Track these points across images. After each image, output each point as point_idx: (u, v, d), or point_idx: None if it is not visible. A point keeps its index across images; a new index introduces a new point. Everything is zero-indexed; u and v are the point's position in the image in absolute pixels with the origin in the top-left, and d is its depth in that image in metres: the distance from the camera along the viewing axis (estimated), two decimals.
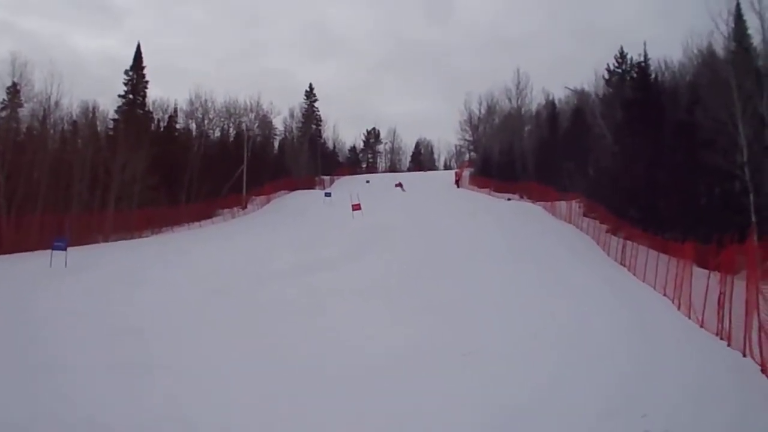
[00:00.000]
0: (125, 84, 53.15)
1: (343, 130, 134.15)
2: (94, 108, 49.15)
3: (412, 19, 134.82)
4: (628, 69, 41.84)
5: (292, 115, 76.54)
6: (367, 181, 65.59)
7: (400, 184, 59.60)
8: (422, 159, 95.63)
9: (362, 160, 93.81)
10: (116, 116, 51.72)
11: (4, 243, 32.20)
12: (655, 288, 18.54)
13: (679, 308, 15.60)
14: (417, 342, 12.45)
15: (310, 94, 79.36)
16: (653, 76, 36.89)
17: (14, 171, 35.69)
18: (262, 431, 8.22)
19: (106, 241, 36.46)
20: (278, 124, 73.12)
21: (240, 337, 13.62)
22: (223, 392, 9.78)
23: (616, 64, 43.36)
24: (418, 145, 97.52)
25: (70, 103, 51.52)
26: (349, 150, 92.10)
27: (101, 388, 9.77)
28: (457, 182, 62.91)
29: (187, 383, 10.22)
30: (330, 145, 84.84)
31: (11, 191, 35.38)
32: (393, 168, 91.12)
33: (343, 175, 73.71)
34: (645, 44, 38.25)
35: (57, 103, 42.59)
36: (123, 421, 8.37)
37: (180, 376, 10.59)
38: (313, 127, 78.59)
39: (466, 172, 67.47)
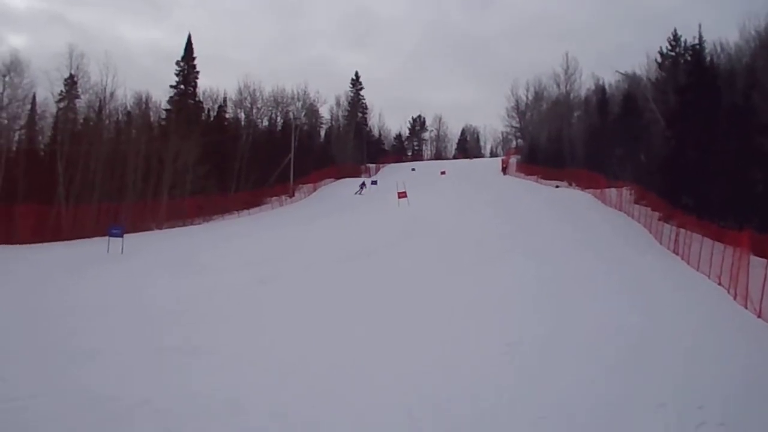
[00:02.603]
0: (176, 75, 54.17)
1: (388, 118, 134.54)
2: (147, 99, 50.46)
3: (456, 3, 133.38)
4: (682, 52, 40.50)
5: (338, 104, 76.96)
6: (413, 169, 65.50)
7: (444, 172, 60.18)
8: (468, 146, 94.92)
9: (408, 147, 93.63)
10: (168, 107, 52.91)
11: (64, 230, 33.57)
12: (709, 277, 18.07)
13: (735, 298, 15.20)
14: (462, 336, 12.42)
15: (355, 82, 79.58)
16: (708, 59, 35.63)
17: (72, 160, 37.06)
18: (310, 412, 8.37)
19: (159, 228, 37.52)
20: (324, 112, 73.67)
21: (287, 321, 13.92)
22: (270, 374, 10.02)
23: (669, 47, 42.01)
24: (464, 132, 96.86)
25: (124, 94, 53.10)
26: (395, 138, 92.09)
27: (155, 371, 10.12)
28: (504, 169, 62.27)
29: (235, 366, 10.52)
30: (375, 132, 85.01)
31: (69, 180, 36.75)
32: (438, 156, 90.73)
33: (389, 163, 73.80)
34: (700, 26, 36.90)
35: (112, 95, 44.06)
36: (176, 403, 8.66)
37: (228, 360, 10.90)
38: (359, 115, 78.80)
39: (513, 160, 66.71)
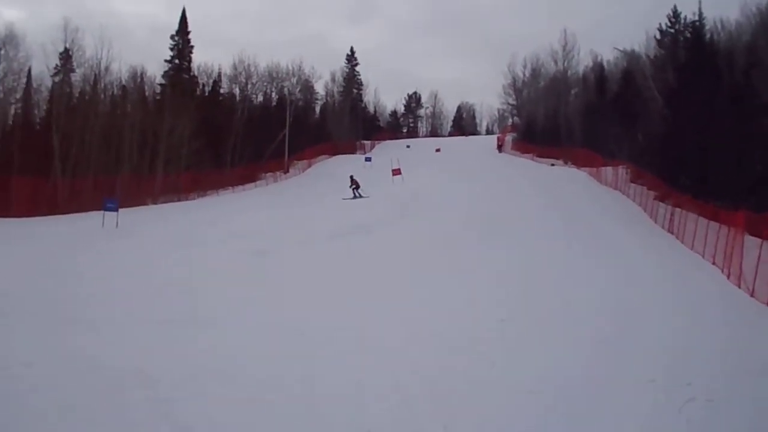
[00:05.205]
0: (171, 49, 53.66)
1: (383, 94, 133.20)
2: (142, 73, 50.13)
3: None
4: (682, 29, 40.16)
5: (333, 80, 76.24)
6: (408, 146, 65.23)
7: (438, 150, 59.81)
8: (464, 124, 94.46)
9: (403, 124, 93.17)
10: (163, 81, 52.50)
11: (60, 203, 33.53)
12: (703, 256, 18.16)
13: (728, 277, 15.29)
14: (456, 309, 12.51)
15: (351, 58, 78.88)
16: (708, 36, 35.41)
17: (68, 134, 36.88)
18: (303, 384, 8.42)
19: (154, 203, 37.47)
20: (319, 88, 73.07)
21: (283, 294, 14.00)
22: (265, 346, 10.09)
23: (669, 24, 41.60)
24: (459, 109, 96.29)
25: (119, 68, 52.65)
26: (390, 114, 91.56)
27: (148, 341, 10.19)
28: (500, 147, 62.11)
29: (230, 337, 10.59)
30: (371, 109, 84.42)
31: (65, 153, 36.60)
32: (434, 133, 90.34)
33: (384, 139, 73.46)
34: (700, 2, 36.59)
35: (107, 68, 43.80)
36: (167, 372, 8.75)
37: (223, 331, 10.96)
38: (354, 91, 78.22)
39: (509, 137, 66.44)
